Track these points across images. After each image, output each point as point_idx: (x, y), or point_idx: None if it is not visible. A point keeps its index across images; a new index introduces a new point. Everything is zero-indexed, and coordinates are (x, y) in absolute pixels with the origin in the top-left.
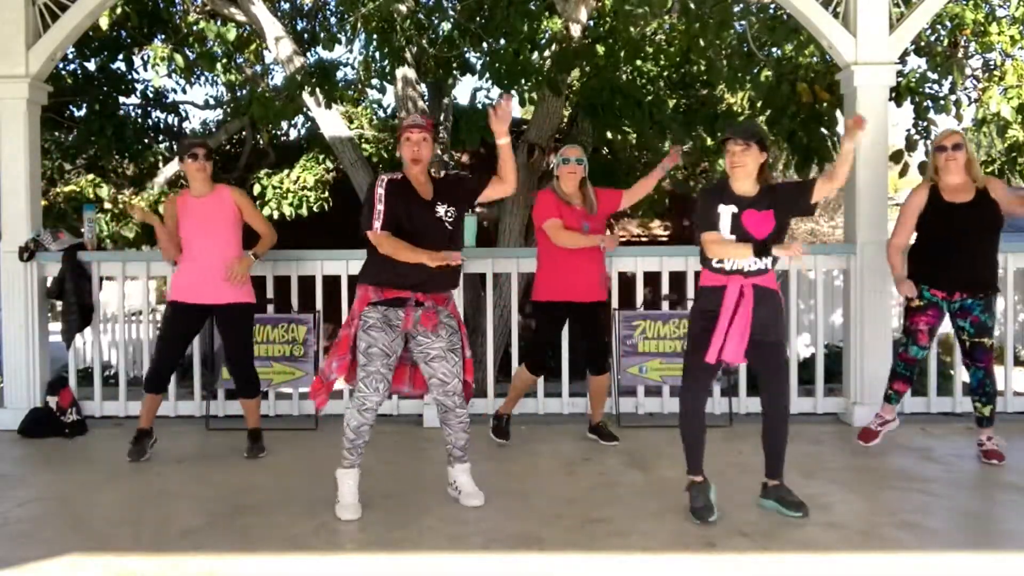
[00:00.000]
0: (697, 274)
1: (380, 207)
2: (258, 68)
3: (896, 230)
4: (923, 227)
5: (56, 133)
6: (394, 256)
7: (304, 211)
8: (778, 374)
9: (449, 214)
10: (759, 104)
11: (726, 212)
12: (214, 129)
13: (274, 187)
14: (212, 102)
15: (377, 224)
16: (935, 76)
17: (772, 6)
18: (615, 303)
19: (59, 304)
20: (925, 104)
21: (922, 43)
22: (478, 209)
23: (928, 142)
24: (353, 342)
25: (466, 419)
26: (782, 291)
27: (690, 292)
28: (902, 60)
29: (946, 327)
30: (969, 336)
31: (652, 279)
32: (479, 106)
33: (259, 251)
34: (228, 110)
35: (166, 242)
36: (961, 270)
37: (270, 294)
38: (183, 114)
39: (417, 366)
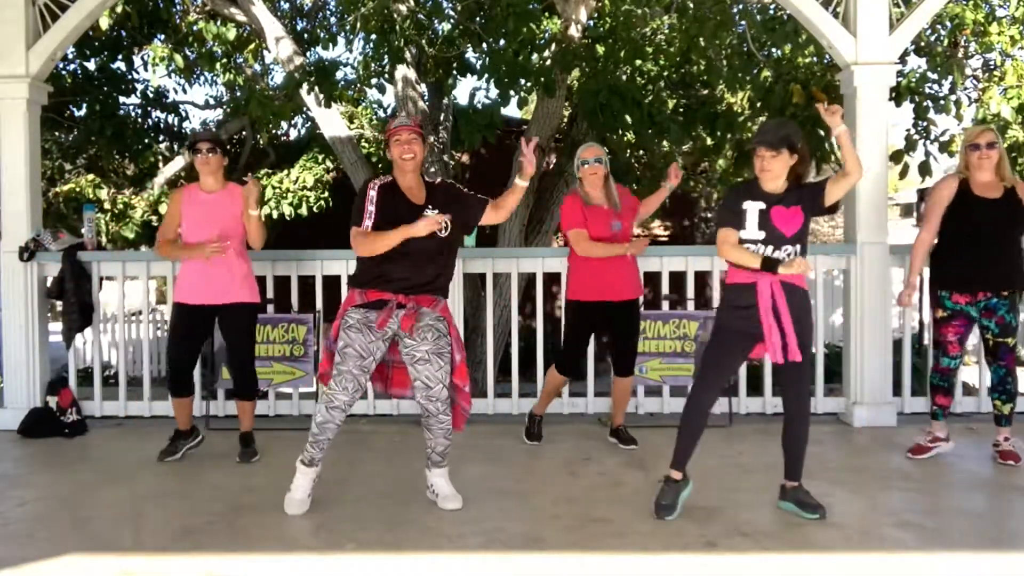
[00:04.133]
0: (697, 274)
1: (371, 208)
2: (258, 68)
3: (924, 225)
4: (948, 221)
5: (56, 133)
6: (370, 251)
7: (304, 211)
8: (801, 375)
9: (443, 224)
10: (759, 105)
11: (753, 208)
12: (214, 129)
13: (274, 187)
14: (212, 102)
15: (368, 223)
16: (935, 76)
17: (772, 6)
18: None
19: (59, 304)
20: (925, 104)
21: (922, 43)
22: None
23: (928, 142)
24: (336, 339)
25: (448, 425)
26: None
27: (690, 292)
28: (902, 60)
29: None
30: (993, 336)
31: (652, 279)
32: (478, 106)
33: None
34: (228, 110)
35: (165, 242)
36: (984, 266)
37: (270, 294)
38: (183, 114)
39: (398, 367)
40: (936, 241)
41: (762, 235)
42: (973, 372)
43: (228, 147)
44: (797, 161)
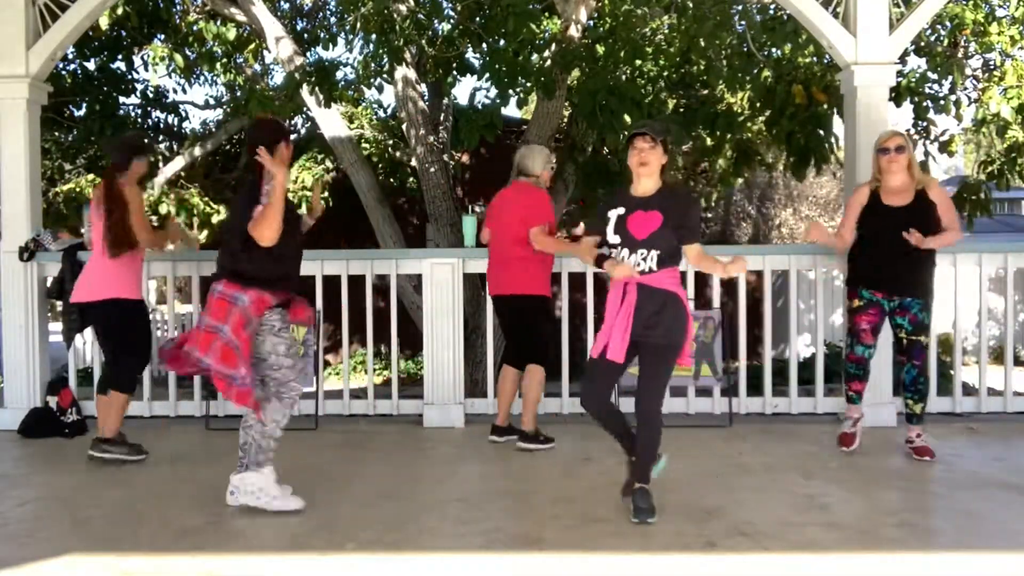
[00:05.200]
0: (697, 274)
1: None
2: (258, 68)
3: (842, 225)
4: (862, 229)
5: (56, 133)
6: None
7: (304, 211)
8: (652, 378)
9: None
10: (759, 104)
11: (614, 215)
12: (214, 129)
13: None
14: (212, 102)
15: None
16: (935, 76)
17: (772, 6)
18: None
19: (59, 304)
20: (925, 104)
21: (922, 43)
22: (478, 209)
23: (928, 142)
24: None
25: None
26: (782, 291)
27: (690, 292)
28: (902, 60)
29: (944, 327)
30: (907, 334)
31: None
32: (479, 106)
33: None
34: (228, 110)
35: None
36: (899, 272)
37: None
38: (183, 114)
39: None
40: (852, 244)
41: (618, 239)
42: (973, 372)
43: (228, 147)
44: (665, 161)
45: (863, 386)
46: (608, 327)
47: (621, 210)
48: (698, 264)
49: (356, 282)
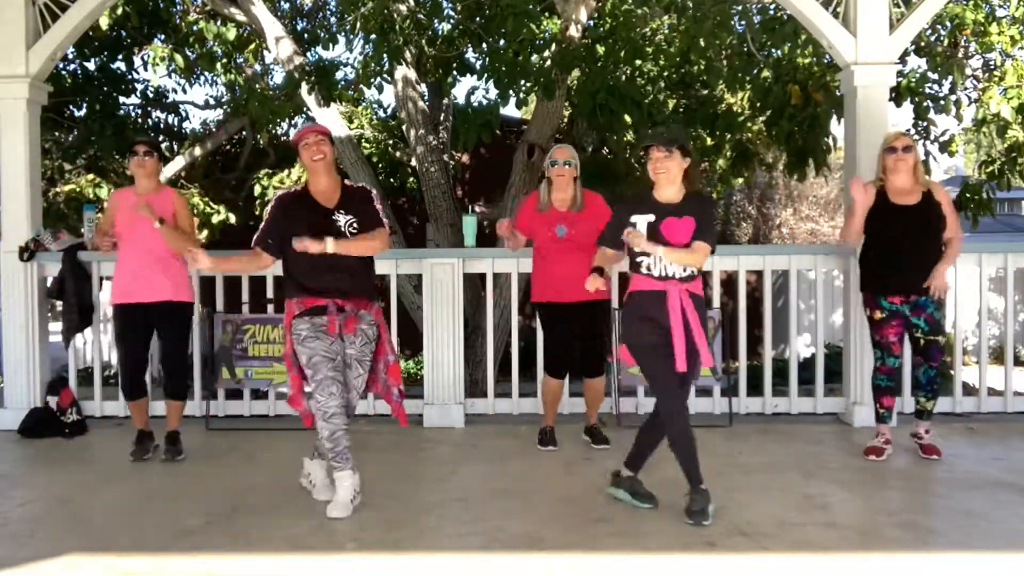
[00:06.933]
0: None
1: (264, 226)
2: (258, 68)
3: (848, 224)
4: (871, 228)
5: (56, 133)
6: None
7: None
8: (692, 380)
9: (353, 225)
10: (758, 105)
11: (642, 222)
12: (214, 129)
13: (274, 187)
14: (212, 102)
15: (257, 238)
16: (935, 76)
17: (772, 6)
18: (615, 303)
19: (59, 304)
20: (925, 104)
21: (922, 43)
22: (478, 209)
23: (928, 142)
24: (294, 356)
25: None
26: (782, 291)
27: None
28: (902, 60)
29: (945, 327)
30: (924, 334)
31: None
32: (476, 105)
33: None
34: (228, 110)
35: (98, 235)
36: (912, 270)
37: (270, 294)
38: (183, 114)
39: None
40: (862, 247)
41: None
42: (973, 372)
43: (228, 147)
44: (689, 164)
45: (894, 401)
46: (680, 338)
47: (651, 217)
48: (698, 260)
49: None
